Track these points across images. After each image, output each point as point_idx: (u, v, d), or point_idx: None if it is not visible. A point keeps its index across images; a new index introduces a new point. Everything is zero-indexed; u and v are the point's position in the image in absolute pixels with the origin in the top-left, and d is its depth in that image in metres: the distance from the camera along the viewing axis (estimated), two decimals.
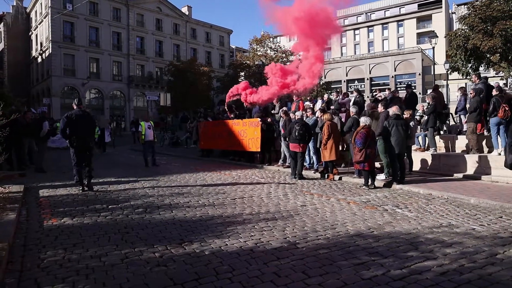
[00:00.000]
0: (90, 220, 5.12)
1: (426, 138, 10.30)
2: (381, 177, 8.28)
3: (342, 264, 3.51)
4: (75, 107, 7.29)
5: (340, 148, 10.13)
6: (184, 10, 48.76)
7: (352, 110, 9.57)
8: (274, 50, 39.91)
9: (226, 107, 15.09)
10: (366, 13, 56.02)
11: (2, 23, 41.30)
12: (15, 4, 42.36)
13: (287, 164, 10.67)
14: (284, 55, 39.19)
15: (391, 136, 7.80)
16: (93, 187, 7.31)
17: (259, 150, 11.47)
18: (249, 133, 11.72)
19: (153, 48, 44.09)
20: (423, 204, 6.24)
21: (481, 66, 19.68)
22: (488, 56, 18.35)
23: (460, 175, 8.71)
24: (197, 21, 49.45)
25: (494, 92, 8.82)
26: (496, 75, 26.71)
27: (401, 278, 3.18)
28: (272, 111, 12.97)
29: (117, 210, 5.66)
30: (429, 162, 9.71)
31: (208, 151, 14.72)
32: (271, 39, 40.92)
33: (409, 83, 20.17)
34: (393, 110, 8.13)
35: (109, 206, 5.93)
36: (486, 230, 4.64)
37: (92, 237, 4.35)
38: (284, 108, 11.38)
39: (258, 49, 39.83)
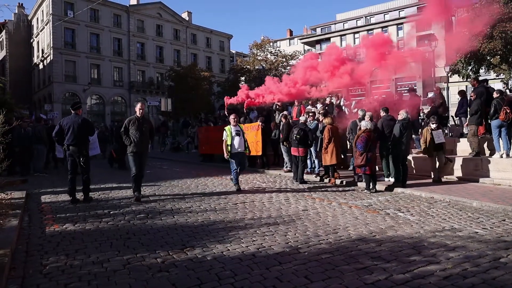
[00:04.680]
0: (92, 226, 5.12)
1: None
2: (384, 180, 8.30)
3: (344, 268, 3.50)
4: (72, 112, 6.93)
5: None
6: (184, 15, 48.99)
7: (360, 113, 9.51)
8: (274, 55, 40.05)
9: (226, 112, 15.09)
10: (365, 17, 56.14)
11: (4, 31, 41.51)
12: (16, 11, 42.62)
13: (288, 168, 10.67)
14: (284, 59, 39.32)
15: (403, 139, 7.82)
16: (91, 199, 6.85)
17: (260, 153, 11.44)
18: (249, 137, 11.71)
19: (153, 54, 44.25)
20: (425, 207, 6.22)
21: (482, 69, 19.67)
22: (488, 58, 18.34)
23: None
24: (197, 27, 49.65)
25: (495, 95, 8.83)
26: (497, 78, 26.69)
27: (404, 283, 3.17)
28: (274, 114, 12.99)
29: (119, 216, 5.66)
30: (431, 165, 9.68)
31: (210, 156, 14.72)
32: (271, 44, 41.08)
33: (411, 86, 20.10)
34: (403, 113, 8.11)
35: (111, 212, 5.93)
36: (489, 234, 4.63)
37: (94, 243, 4.35)
38: (285, 112, 11.41)
39: (258, 54, 39.98)
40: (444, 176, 8.94)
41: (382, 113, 8.75)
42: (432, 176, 8.79)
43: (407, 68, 9.54)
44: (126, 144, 6.95)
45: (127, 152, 7.07)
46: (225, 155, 8.07)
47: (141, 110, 7.07)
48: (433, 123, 8.58)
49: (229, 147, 7.93)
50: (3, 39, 43.04)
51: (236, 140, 7.97)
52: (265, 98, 12.25)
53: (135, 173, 6.86)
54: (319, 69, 10.44)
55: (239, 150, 8.00)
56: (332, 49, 11.53)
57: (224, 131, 8.10)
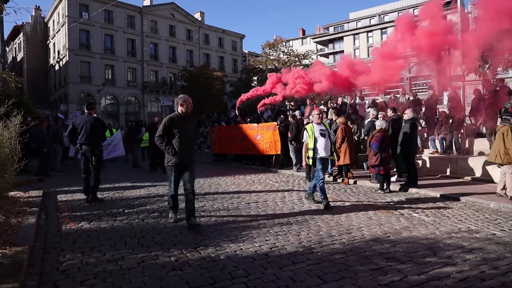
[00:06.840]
0: (107, 224, 5.19)
1: (444, 141, 10.12)
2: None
3: (358, 269, 3.47)
4: (86, 111, 7.05)
5: None
6: (197, 16, 49.25)
7: (373, 112, 9.42)
8: (287, 54, 39.93)
9: (237, 111, 15.14)
10: (379, 15, 55.50)
11: (22, 33, 42.56)
12: (33, 14, 43.57)
13: (297, 167, 10.62)
14: (297, 58, 39.17)
15: (411, 139, 7.72)
16: (99, 198, 6.83)
17: (279, 153, 11.37)
18: (266, 137, 11.68)
19: (166, 54, 44.63)
20: (440, 208, 6.11)
21: (499, 67, 19.21)
22: (506, 56, 17.91)
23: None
24: (209, 27, 49.86)
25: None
26: None
27: (419, 284, 3.12)
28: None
29: (133, 215, 5.73)
30: (447, 165, 9.53)
31: (222, 155, 14.79)
32: (284, 43, 40.97)
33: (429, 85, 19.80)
34: (409, 113, 7.99)
35: (125, 211, 6.00)
36: (508, 236, 4.52)
37: (109, 241, 4.41)
38: (296, 112, 11.39)
39: (270, 54, 39.92)
40: (464, 177, 8.76)
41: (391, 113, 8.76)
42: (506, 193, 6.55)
43: None
44: (167, 153, 5.06)
45: (166, 162, 5.20)
46: (304, 161, 6.42)
47: (188, 106, 5.08)
48: None
49: (310, 152, 6.19)
50: (20, 41, 44.06)
51: (321, 142, 6.18)
52: (358, 80, 9.85)
53: (173, 193, 5.26)
54: (417, 44, 7.70)
55: (324, 154, 6.22)
56: (434, 8, 8.03)
57: (305, 131, 6.36)
